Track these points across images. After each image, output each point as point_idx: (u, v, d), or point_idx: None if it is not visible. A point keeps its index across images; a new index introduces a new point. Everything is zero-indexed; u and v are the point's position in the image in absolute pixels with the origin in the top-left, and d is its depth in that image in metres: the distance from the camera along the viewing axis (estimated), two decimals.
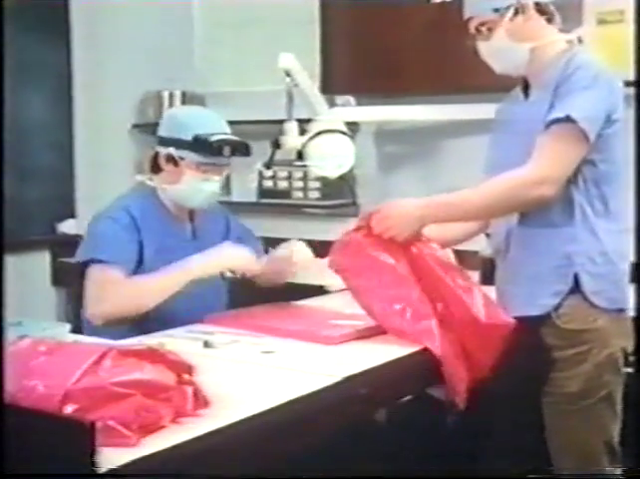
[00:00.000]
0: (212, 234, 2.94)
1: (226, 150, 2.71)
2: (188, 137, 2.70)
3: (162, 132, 2.80)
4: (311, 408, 1.93)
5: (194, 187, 2.74)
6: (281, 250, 2.91)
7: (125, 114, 4.80)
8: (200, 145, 2.69)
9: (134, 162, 4.76)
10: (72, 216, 4.58)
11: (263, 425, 1.77)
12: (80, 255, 2.69)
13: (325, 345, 2.39)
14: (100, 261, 2.63)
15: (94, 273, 2.64)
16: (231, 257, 2.69)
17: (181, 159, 2.73)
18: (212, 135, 2.71)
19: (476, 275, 3.42)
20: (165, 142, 2.76)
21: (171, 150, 2.74)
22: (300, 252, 2.88)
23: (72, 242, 3.75)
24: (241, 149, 2.75)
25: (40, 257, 4.50)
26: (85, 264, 2.67)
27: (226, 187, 4.38)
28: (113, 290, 2.59)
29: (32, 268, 4.38)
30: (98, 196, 4.18)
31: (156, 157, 2.81)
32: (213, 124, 2.77)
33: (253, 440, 1.74)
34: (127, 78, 4.71)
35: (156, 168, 2.81)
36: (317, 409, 1.94)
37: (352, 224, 2.56)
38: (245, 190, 4.37)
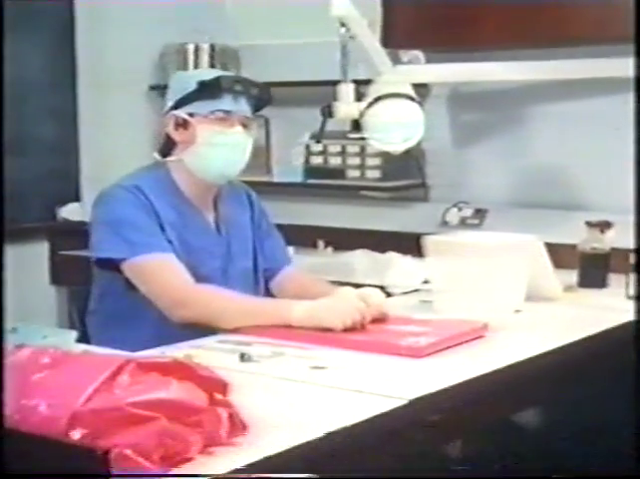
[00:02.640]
0: (240, 226, 2.97)
1: (238, 87, 2.76)
2: (192, 86, 2.77)
3: (167, 102, 2.85)
4: (368, 438, 1.94)
5: (210, 142, 2.77)
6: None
7: (140, 72, 4.85)
8: (207, 88, 2.76)
9: (152, 132, 4.81)
10: (75, 198, 4.63)
11: (310, 456, 1.78)
12: (106, 251, 2.73)
13: (410, 359, 2.41)
14: (141, 254, 2.68)
15: (148, 271, 2.70)
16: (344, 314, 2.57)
17: (190, 115, 2.78)
18: (219, 78, 2.79)
19: (573, 275, 3.40)
20: (171, 109, 2.82)
21: (178, 112, 2.79)
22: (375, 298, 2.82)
23: (75, 231, 3.77)
24: (258, 90, 2.82)
25: (37, 249, 4.55)
26: (116, 262, 2.72)
27: (266, 164, 4.41)
28: (193, 294, 2.68)
29: (27, 262, 4.42)
30: (107, 174, 4.21)
31: (167, 136, 2.86)
32: (219, 72, 2.89)
33: (298, 473, 1.75)
34: (142, 29, 4.74)
35: (169, 146, 2.86)
36: (375, 439, 1.95)
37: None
38: (289, 168, 4.38)
